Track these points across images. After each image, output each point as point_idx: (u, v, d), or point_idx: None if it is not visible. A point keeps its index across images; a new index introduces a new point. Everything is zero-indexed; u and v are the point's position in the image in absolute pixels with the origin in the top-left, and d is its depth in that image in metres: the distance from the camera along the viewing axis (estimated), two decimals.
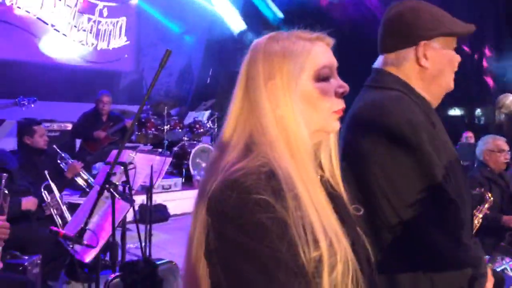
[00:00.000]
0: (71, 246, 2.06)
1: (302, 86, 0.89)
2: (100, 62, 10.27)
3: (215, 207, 0.81)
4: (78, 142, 6.11)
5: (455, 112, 10.26)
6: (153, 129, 6.88)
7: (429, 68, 1.29)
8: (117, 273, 1.72)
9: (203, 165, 6.97)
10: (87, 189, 3.89)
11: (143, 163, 3.24)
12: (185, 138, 7.23)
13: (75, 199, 5.18)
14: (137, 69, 11.62)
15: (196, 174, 6.82)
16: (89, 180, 4.03)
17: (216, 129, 7.58)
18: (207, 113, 7.67)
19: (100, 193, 1.93)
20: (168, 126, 6.93)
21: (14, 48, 7.96)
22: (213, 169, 0.88)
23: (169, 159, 3.72)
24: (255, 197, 0.78)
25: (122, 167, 2.90)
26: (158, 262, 1.85)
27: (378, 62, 1.37)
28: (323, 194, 0.87)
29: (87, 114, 5.91)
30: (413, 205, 1.14)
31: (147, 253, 3.17)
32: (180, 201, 6.24)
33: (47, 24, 8.46)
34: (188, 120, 7.72)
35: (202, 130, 7.32)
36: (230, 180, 0.80)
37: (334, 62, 0.94)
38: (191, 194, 6.49)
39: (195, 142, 7.21)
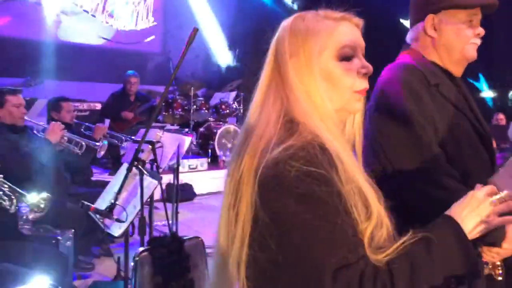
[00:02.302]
0: (101, 220, 2.13)
1: (323, 64, 0.91)
2: (128, 43, 10.37)
3: (272, 183, 0.81)
4: (107, 122, 6.23)
5: (487, 94, 9.96)
6: (179, 110, 6.95)
7: (437, 39, 1.38)
8: (146, 247, 1.77)
9: (229, 145, 7.02)
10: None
11: (170, 142, 3.30)
12: (211, 119, 7.28)
13: (105, 177, 5.32)
14: (164, 50, 11.70)
15: (222, 154, 6.88)
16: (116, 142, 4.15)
17: (242, 110, 7.60)
18: (233, 94, 7.68)
19: (129, 170, 1.98)
20: (195, 106, 6.98)
21: (44, 28, 8.11)
22: (249, 145, 0.88)
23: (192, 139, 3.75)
24: (313, 171, 0.80)
25: (150, 146, 2.97)
26: (185, 238, 1.90)
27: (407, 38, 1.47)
28: (359, 167, 0.89)
29: (115, 94, 6.01)
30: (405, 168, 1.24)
31: (174, 231, 3.24)
32: (205, 181, 6.33)
33: (76, 5, 8.58)
34: (214, 101, 7.76)
35: (228, 111, 7.34)
36: (286, 156, 0.81)
37: (358, 42, 0.94)
38: (217, 175, 6.57)
39: (220, 123, 7.25)
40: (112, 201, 1.94)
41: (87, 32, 8.95)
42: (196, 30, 1.94)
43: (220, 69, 11.05)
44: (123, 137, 4.16)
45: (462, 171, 1.26)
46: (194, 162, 6.48)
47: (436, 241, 0.82)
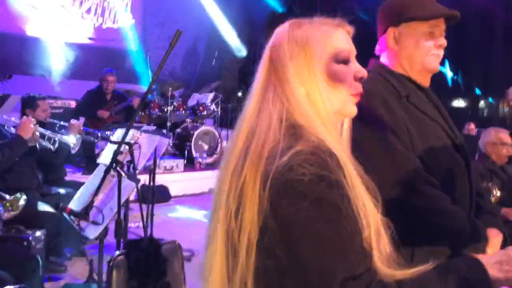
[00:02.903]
0: (76, 223, 2.09)
1: (323, 65, 0.92)
2: (105, 40, 10.21)
3: (285, 188, 0.79)
4: (82, 120, 6.11)
5: (459, 103, 10.22)
6: (156, 110, 6.88)
7: (398, 51, 1.41)
8: (122, 250, 1.74)
9: (206, 147, 6.99)
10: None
11: (148, 143, 3.26)
12: (188, 120, 7.24)
13: (78, 176, 5.22)
14: (141, 48, 11.57)
15: (198, 156, 6.84)
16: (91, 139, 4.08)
17: (219, 112, 7.58)
18: (211, 95, 7.65)
19: (107, 171, 1.95)
20: (172, 107, 6.92)
21: (16, 21, 7.89)
22: (250, 152, 0.86)
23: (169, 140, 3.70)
24: (326, 176, 0.80)
25: (127, 147, 2.94)
26: (162, 241, 1.88)
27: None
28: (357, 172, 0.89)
29: (91, 92, 5.91)
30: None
31: (149, 233, 3.21)
32: (181, 182, 6.28)
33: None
34: (191, 102, 7.71)
35: (205, 112, 7.31)
36: (298, 161, 0.80)
37: (353, 48, 0.98)
38: (193, 176, 6.53)
39: (197, 124, 7.22)
40: (88, 203, 1.90)
41: (63, 28, 8.78)
42: (179, 33, 1.93)
43: (198, 69, 11.00)
44: (99, 134, 4.08)
45: (441, 179, 1.29)
46: (170, 163, 6.43)
47: (455, 272, 0.83)
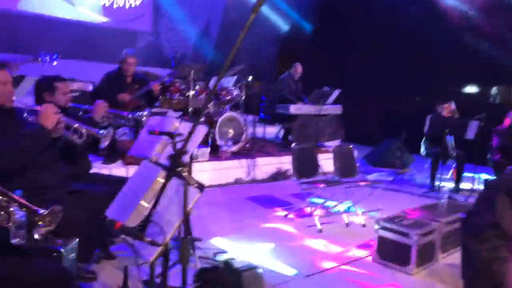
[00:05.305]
0: (129, 241, 1.66)
1: None
2: (116, 20, 9.77)
3: None
4: None
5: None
6: (177, 94, 6.43)
7: None
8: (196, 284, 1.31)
9: (230, 134, 6.55)
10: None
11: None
12: (210, 105, 6.77)
13: (98, 166, 4.79)
14: (154, 29, 11.08)
15: (223, 144, 6.41)
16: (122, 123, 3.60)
17: (243, 97, 7.11)
18: (234, 78, 7.19)
19: (168, 178, 1.51)
20: (193, 91, 6.46)
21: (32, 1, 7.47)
22: None
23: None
24: None
25: (169, 138, 2.51)
26: (241, 268, 1.45)
27: None
28: None
29: (111, 75, 5.43)
30: None
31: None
32: (207, 172, 5.85)
33: None
34: (212, 85, 7.25)
35: (228, 97, 6.85)
36: None
37: None
38: (218, 166, 6.10)
39: (220, 109, 6.77)
40: (146, 216, 1.47)
41: (70, 6, 8.32)
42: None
43: (212, 51, 10.54)
44: (129, 116, 3.58)
45: None
46: (194, 151, 5.99)
47: None
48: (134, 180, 2.06)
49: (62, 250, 2.16)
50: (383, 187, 4.89)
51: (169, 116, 3.60)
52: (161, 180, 1.87)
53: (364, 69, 9.56)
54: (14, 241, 2.12)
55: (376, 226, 3.81)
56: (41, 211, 1.63)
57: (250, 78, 7.19)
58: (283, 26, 11.28)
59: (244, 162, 6.36)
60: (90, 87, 6.02)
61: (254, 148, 6.89)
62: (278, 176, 6.58)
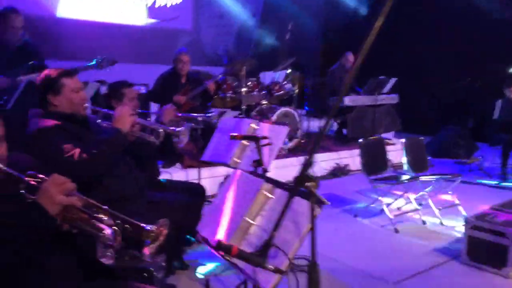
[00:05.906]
0: (239, 265, 1.44)
1: None
2: (158, 20, 9.73)
3: None
4: (154, 107, 5.56)
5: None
6: (230, 92, 6.24)
7: None
8: None
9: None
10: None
11: (270, 135, 2.59)
12: (263, 102, 6.54)
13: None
14: (194, 28, 10.96)
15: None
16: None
17: (296, 90, 6.85)
18: (285, 72, 6.93)
19: (292, 193, 1.29)
20: (246, 88, 6.24)
21: (73, 6, 7.47)
22: None
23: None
24: None
25: (254, 142, 2.31)
26: None
27: None
28: None
29: (166, 76, 5.29)
30: None
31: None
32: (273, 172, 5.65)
33: None
34: (264, 81, 7.03)
35: (282, 92, 6.60)
36: None
37: None
38: (275, 164, 5.87)
39: (273, 106, 6.53)
40: (266, 241, 1.26)
41: (115, 10, 8.31)
42: None
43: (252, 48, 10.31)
44: (199, 118, 3.38)
45: None
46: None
47: None
48: (229, 193, 1.86)
49: (152, 269, 1.99)
50: (460, 179, 4.53)
51: (244, 118, 3.39)
52: (265, 193, 1.67)
53: (416, 56, 9.08)
54: (104, 260, 1.98)
55: (464, 225, 3.50)
56: (148, 227, 1.46)
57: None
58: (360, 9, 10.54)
59: (302, 159, 6.10)
60: (142, 90, 5.92)
61: (310, 143, 6.61)
62: (338, 172, 6.29)
